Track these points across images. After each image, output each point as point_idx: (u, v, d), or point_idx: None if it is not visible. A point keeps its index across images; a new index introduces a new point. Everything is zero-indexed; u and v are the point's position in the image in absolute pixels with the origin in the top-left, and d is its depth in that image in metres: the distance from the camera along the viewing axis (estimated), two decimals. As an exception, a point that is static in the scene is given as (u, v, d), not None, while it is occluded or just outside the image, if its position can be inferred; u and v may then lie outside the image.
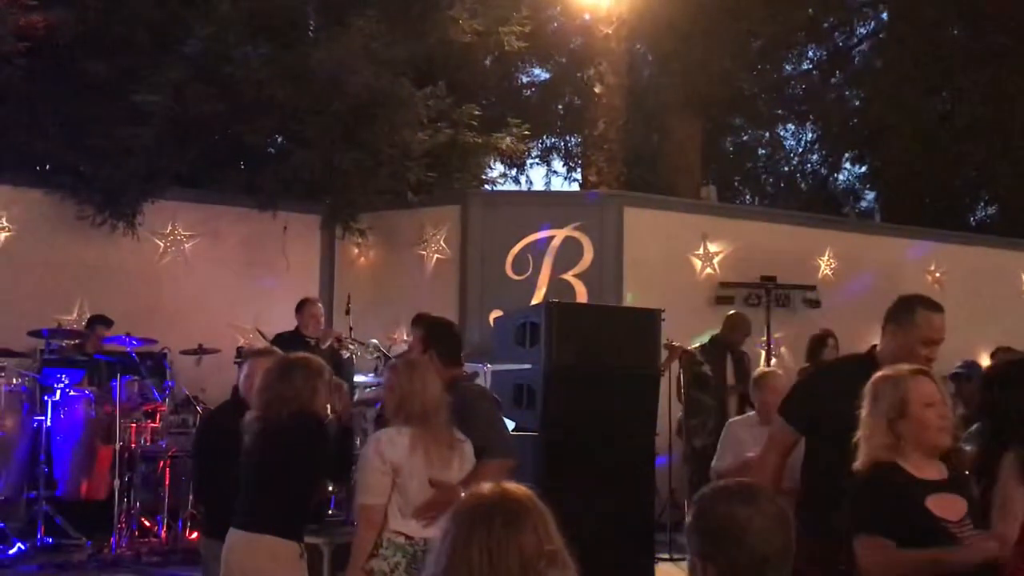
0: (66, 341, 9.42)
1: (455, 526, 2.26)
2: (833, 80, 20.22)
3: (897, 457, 3.72)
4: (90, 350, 9.45)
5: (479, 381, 7.44)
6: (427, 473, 4.45)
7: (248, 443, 4.70)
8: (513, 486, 2.33)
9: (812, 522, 4.22)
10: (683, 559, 8.18)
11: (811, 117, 20.87)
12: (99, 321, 9.77)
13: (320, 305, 9.60)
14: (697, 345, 9.51)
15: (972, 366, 8.43)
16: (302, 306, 9.43)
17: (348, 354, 9.30)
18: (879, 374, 3.92)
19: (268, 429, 4.64)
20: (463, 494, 4.36)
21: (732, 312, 10.10)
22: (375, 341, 9.13)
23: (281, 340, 8.71)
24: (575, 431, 6.70)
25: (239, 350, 9.92)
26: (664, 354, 8.95)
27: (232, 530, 4.63)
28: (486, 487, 2.33)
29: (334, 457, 4.98)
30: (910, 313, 4.40)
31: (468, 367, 8.63)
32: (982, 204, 21.01)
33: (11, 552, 7.89)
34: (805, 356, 9.61)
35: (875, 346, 4.60)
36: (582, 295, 11.11)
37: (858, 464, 3.78)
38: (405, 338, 9.34)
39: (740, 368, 9.49)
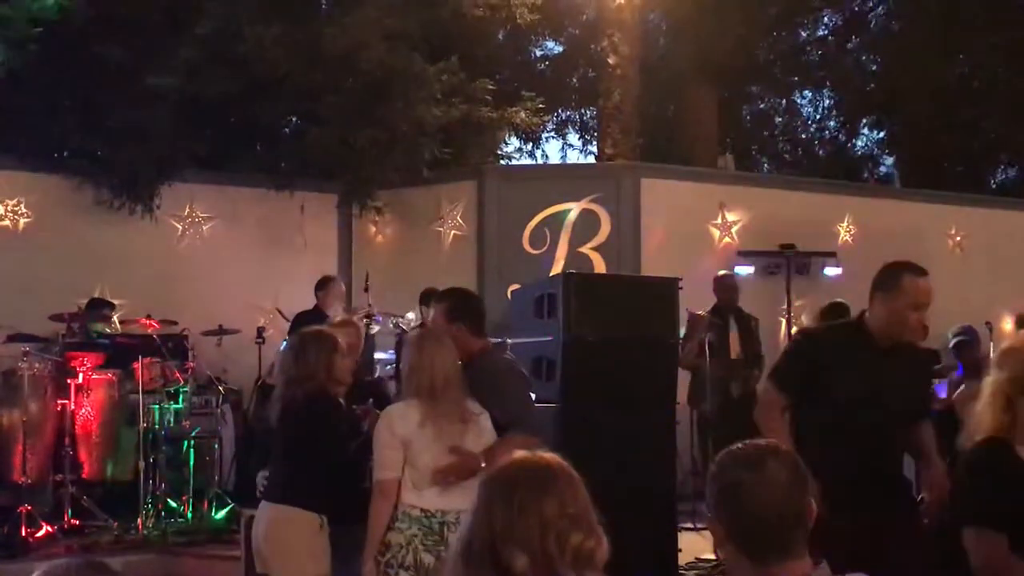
0: (77, 325, 9.41)
1: (483, 488, 2.32)
2: (849, 45, 20.06)
3: (1013, 437, 3.48)
4: (108, 332, 9.50)
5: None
6: (438, 446, 4.47)
7: (273, 420, 4.88)
8: (544, 453, 2.37)
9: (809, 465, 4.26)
10: (706, 528, 8.19)
11: (828, 83, 20.74)
12: (103, 304, 9.81)
13: (342, 284, 9.63)
14: (702, 313, 9.34)
15: (970, 331, 8.37)
16: (324, 284, 9.46)
17: (366, 331, 9.33)
18: (1009, 345, 3.82)
19: (287, 409, 4.84)
20: (483, 463, 4.44)
21: (716, 275, 9.88)
22: (394, 319, 9.16)
23: (302, 319, 8.75)
24: (594, 402, 6.69)
25: (259, 330, 9.96)
26: (692, 324, 8.93)
27: (262, 502, 4.90)
28: (518, 454, 2.36)
29: (344, 439, 5.03)
30: (896, 280, 4.47)
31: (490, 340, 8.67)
32: (1002, 167, 20.86)
33: (39, 534, 7.94)
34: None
35: (864, 311, 4.62)
36: (600, 267, 11.10)
37: (974, 438, 3.61)
38: (410, 316, 9.31)
39: (747, 332, 9.39)
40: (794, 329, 10.88)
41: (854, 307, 9.77)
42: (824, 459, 4.25)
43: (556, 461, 2.34)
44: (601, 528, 2.29)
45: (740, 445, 2.49)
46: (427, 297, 9.27)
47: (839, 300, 9.56)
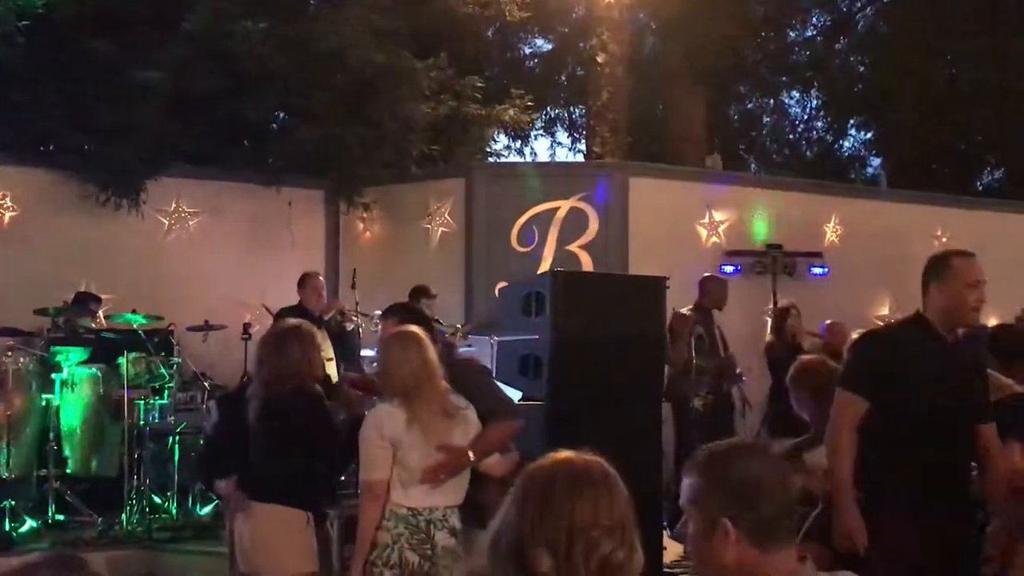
0: (63, 320, 9.39)
1: (521, 483, 2.28)
2: (837, 46, 20.11)
3: None
4: (94, 327, 9.46)
5: (474, 350, 7.41)
6: (426, 444, 4.44)
7: (251, 417, 4.80)
8: (589, 456, 2.31)
9: (874, 495, 4.29)
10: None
11: (816, 84, 20.78)
12: (89, 299, 9.78)
13: (321, 278, 9.61)
14: (686, 310, 9.27)
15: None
16: (303, 280, 9.46)
17: (352, 327, 9.32)
18: None
19: (269, 405, 4.74)
20: (472, 456, 4.44)
21: (706, 276, 9.74)
22: (379, 313, 9.13)
23: (285, 315, 8.73)
24: (581, 400, 6.69)
25: (246, 326, 9.94)
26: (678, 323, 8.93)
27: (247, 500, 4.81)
28: (563, 453, 2.30)
29: (336, 431, 5.00)
30: (946, 264, 4.52)
31: (474, 339, 8.68)
32: (989, 168, 20.93)
33: (23, 530, 7.91)
34: (770, 329, 9.67)
35: (919, 309, 4.62)
36: (588, 266, 11.09)
37: None
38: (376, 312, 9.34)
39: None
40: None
41: (845, 305, 9.88)
42: (896, 456, 4.27)
43: (598, 465, 2.28)
44: (637, 538, 2.22)
45: (738, 440, 2.50)
46: (416, 294, 9.28)
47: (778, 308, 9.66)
